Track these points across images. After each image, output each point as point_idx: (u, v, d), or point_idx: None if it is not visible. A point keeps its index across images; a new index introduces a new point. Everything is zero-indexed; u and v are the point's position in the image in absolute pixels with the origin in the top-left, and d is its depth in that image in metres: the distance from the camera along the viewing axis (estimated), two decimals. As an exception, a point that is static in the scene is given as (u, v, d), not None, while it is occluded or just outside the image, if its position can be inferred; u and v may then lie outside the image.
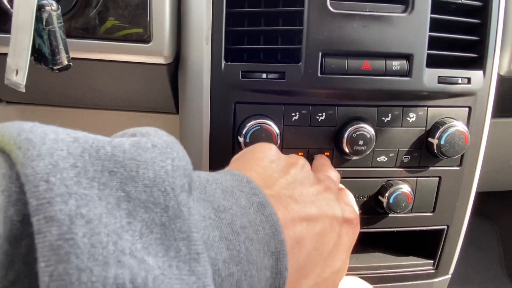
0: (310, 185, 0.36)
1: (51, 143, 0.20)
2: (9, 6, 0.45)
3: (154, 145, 0.23)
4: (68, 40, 0.43)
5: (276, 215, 0.28)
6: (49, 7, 0.40)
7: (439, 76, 0.53)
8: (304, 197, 0.34)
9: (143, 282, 0.19)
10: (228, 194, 0.28)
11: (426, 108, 0.55)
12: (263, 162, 0.36)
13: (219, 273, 0.24)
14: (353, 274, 0.61)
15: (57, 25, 0.41)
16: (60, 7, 0.42)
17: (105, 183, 0.20)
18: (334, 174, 0.46)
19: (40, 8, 0.40)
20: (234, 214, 0.26)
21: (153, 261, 0.20)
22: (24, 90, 0.41)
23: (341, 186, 0.48)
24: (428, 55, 0.52)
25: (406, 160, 0.56)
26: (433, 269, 0.64)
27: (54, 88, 0.65)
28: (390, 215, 0.59)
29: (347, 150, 0.53)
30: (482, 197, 0.82)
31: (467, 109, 0.56)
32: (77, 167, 0.20)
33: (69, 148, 0.21)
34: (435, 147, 0.54)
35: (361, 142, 0.52)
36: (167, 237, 0.21)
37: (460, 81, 0.54)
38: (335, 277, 0.35)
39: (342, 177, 0.56)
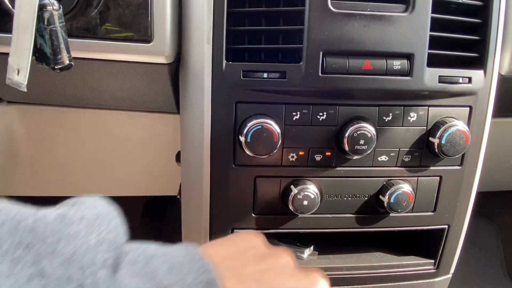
0: (289, 277, 0.33)
1: None
2: (10, 6, 0.45)
3: (81, 218, 0.23)
4: (69, 39, 0.43)
5: None
6: (51, 7, 0.40)
7: (440, 76, 0.53)
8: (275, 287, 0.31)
9: None
10: (175, 270, 0.26)
11: (427, 107, 0.55)
12: (238, 245, 0.34)
13: None
14: (356, 274, 0.61)
15: (58, 24, 0.41)
16: (61, 7, 0.42)
17: (19, 258, 0.19)
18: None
19: (41, 7, 0.40)
20: None
21: None
22: (25, 90, 0.41)
23: None
24: (429, 54, 0.52)
25: (407, 159, 0.56)
26: (434, 269, 0.65)
27: (55, 88, 0.65)
28: (391, 214, 0.59)
29: (348, 150, 0.53)
30: (483, 197, 0.82)
31: (468, 108, 0.56)
32: None
33: None
34: (436, 147, 0.54)
35: (362, 142, 0.52)
36: None
37: (461, 80, 0.54)
38: None
39: (343, 177, 0.56)
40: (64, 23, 0.42)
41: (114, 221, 0.24)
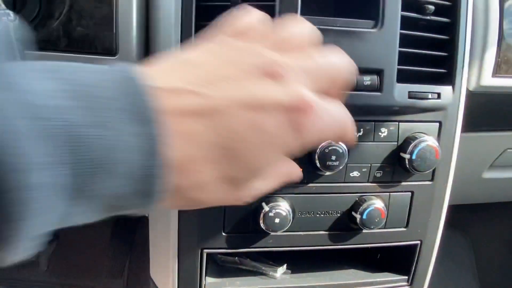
0: (247, 72, 0.25)
1: None
2: (-37, 16, 0.43)
3: None
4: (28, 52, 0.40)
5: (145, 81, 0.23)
6: (5, 18, 0.38)
7: (409, 91, 0.53)
8: (222, 85, 0.25)
9: None
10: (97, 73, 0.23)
11: (397, 123, 0.55)
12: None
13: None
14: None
15: (14, 37, 0.39)
16: (18, 18, 0.40)
17: None
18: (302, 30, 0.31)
19: (-5, 18, 0.38)
20: (90, 84, 0.22)
21: None
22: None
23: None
24: (399, 70, 0.52)
25: (379, 175, 0.56)
26: (407, 285, 0.64)
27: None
28: (363, 231, 0.58)
29: (319, 166, 0.52)
30: (454, 209, 0.83)
31: (438, 123, 0.56)
32: None
33: None
34: (407, 162, 0.54)
35: (333, 158, 0.51)
36: None
37: (430, 96, 0.54)
38: (247, 177, 0.28)
39: (315, 193, 0.55)
40: (21, 35, 0.40)
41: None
